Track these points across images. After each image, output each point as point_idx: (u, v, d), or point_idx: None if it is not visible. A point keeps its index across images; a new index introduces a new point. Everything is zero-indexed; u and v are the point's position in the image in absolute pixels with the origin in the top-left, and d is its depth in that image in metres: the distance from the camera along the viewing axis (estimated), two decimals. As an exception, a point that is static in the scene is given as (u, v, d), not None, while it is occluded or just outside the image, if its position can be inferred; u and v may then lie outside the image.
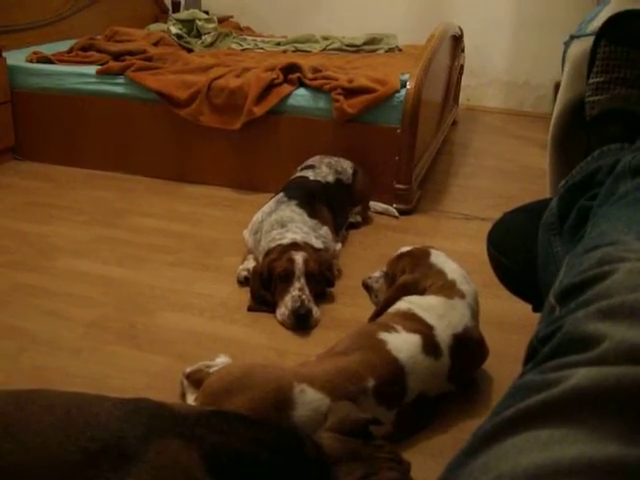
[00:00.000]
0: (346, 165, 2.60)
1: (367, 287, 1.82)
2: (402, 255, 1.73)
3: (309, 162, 2.58)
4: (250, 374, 1.35)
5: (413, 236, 2.54)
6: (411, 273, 1.66)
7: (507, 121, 4.53)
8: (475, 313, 1.61)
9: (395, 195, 2.75)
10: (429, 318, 1.53)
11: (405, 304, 1.58)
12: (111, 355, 1.72)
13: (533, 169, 3.37)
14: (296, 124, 2.86)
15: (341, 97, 2.74)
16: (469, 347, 1.56)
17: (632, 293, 0.49)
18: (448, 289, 1.59)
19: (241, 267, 2.16)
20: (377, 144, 2.76)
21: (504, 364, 1.66)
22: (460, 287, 1.60)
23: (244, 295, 2.03)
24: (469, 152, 3.75)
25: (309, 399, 1.29)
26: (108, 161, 3.16)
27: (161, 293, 2.05)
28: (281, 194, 2.29)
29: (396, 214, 2.73)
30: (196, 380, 1.50)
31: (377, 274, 1.80)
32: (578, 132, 1.14)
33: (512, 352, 1.66)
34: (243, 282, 2.11)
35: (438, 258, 1.68)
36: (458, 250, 2.43)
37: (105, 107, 3.08)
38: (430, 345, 1.48)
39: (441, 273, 1.63)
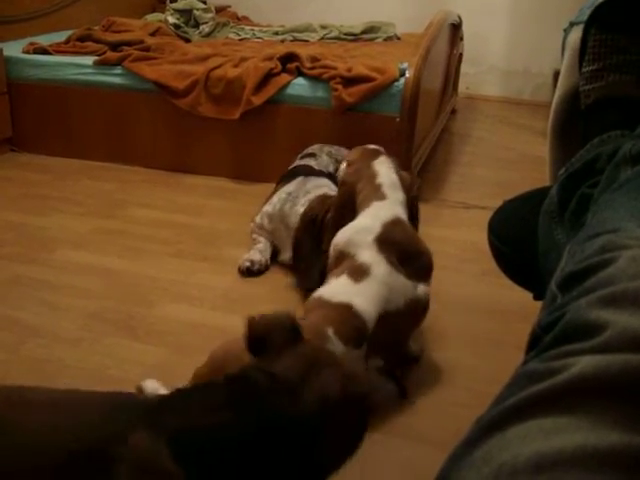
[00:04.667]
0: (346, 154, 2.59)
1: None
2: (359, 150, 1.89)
3: (309, 150, 2.57)
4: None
5: (413, 225, 2.53)
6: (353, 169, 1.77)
7: (506, 109, 4.51)
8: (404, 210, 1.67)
9: (394, 184, 2.74)
10: (358, 251, 1.55)
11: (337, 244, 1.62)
12: (110, 346, 1.72)
13: (532, 157, 3.36)
14: (295, 114, 2.84)
15: (340, 86, 2.73)
16: (399, 226, 1.60)
17: (634, 280, 0.48)
18: (375, 192, 1.67)
19: (245, 257, 2.14)
20: (376, 133, 2.74)
21: (506, 352, 1.66)
22: (385, 191, 1.68)
23: (244, 286, 2.03)
24: (468, 141, 3.74)
25: None
26: (106, 152, 3.14)
27: (161, 284, 2.05)
28: (299, 177, 2.26)
29: (395, 203, 2.72)
30: None
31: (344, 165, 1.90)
32: (578, 120, 1.13)
33: (513, 340, 1.66)
34: (245, 273, 2.10)
35: (381, 165, 1.79)
36: (458, 239, 2.42)
37: (103, 98, 3.07)
38: (356, 272, 1.50)
39: (373, 176, 1.72)
